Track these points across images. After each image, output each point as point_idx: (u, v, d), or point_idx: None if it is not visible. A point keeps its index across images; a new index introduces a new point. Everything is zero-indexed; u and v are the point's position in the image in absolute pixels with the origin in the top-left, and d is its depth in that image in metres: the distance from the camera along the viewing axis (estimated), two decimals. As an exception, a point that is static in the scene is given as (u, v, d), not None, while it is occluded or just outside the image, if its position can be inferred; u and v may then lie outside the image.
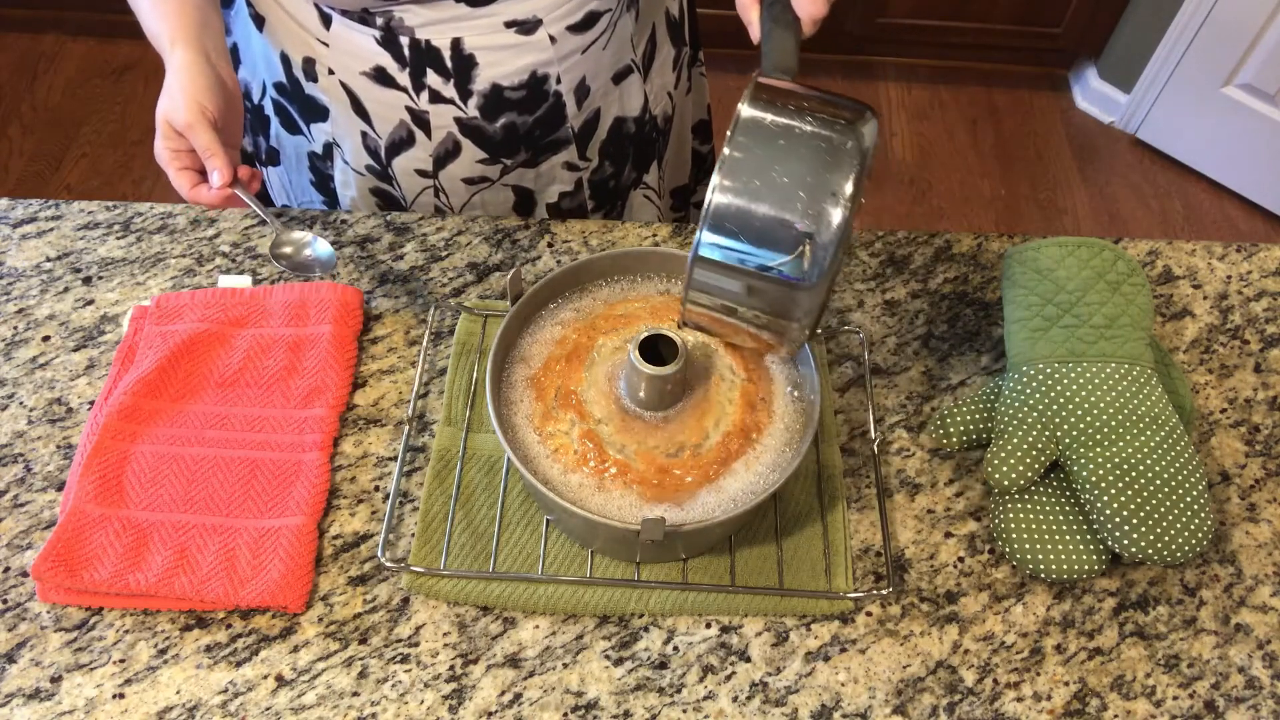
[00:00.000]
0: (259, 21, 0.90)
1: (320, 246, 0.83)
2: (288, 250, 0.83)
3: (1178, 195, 2.36)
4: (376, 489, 0.78)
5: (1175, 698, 0.71)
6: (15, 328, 0.86)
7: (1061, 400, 0.76)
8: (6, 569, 0.73)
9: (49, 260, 0.90)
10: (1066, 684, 0.71)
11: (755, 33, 0.65)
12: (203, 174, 0.78)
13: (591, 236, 0.94)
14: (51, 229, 0.92)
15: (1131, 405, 0.75)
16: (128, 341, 0.83)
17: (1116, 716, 0.70)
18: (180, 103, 0.75)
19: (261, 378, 0.81)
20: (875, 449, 0.80)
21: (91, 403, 0.81)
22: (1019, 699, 0.70)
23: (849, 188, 0.57)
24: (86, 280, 0.89)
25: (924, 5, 2.35)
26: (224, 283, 0.86)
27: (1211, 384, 0.88)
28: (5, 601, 0.72)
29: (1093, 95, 2.49)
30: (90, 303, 0.87)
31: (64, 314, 0.87)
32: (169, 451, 0.77)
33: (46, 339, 0.85)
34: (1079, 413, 0.75)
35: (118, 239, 0.91)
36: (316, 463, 0.77)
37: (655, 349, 0.68)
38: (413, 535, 0.74)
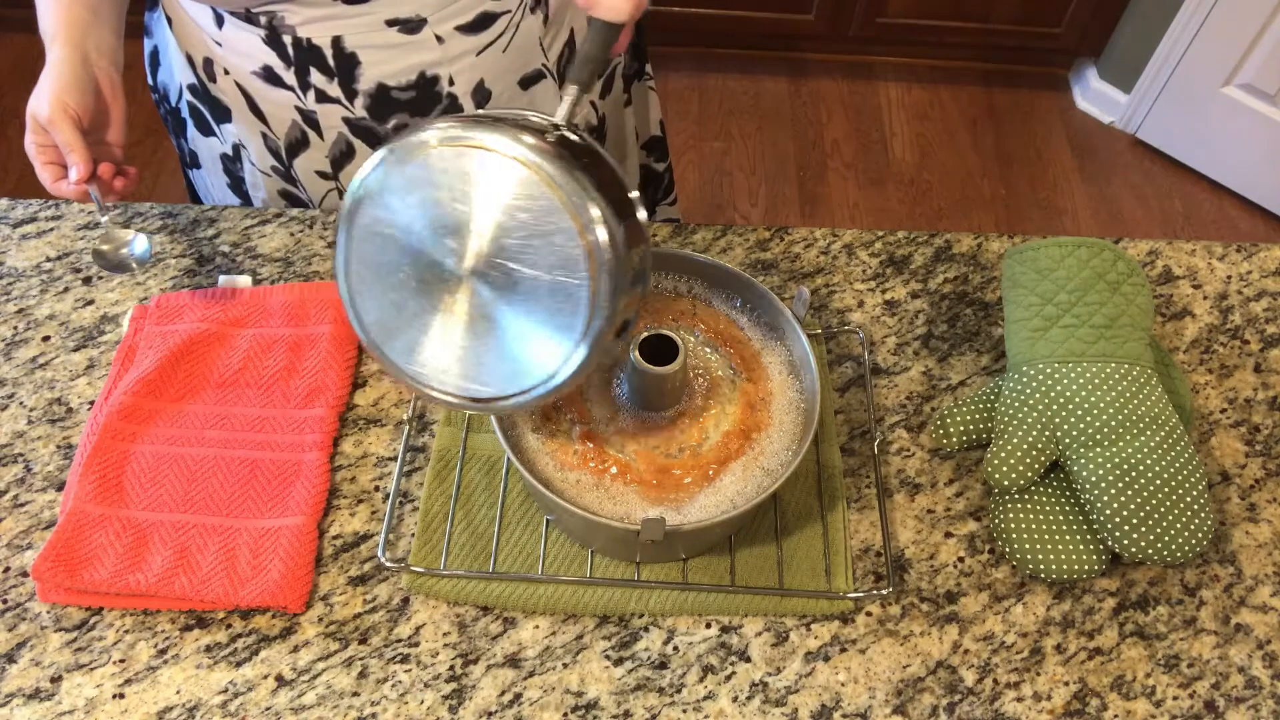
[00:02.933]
0: (170, 22, 0.90)
1: (138, 244, 0.84)
2: (105, 248, 0.84)
3: (1178, 195, 2.35)
4: (376, 489, 0.78)
5: (1175, 698, 0.71)
6: (15, 328, 0.86)
7: (1061, 400, 0.76)
8: (6, 569, 0.73)
9: (49, 260, 0.90)
10: (1066, 684, 0.71)
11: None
12: (67, 169, 0.79)
13: (591, 236, 0.94)
14: (51, 229, 0.92)
15: (1131, 405, 0.75)
16: (128, 341, 0.83)
17: (1116, 716, 0.70)
18: (44, 99, 0.76)
19: (261, 378, 0.81)
20: (875, 449, 0.80)
21: (91, 403, 0.81)
22: (1019, 699, 0.70)
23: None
24: (86, 280, 0.89)
25: (924, 5, 2.35)
26: (224, 283, 0.86)
27: (1211, 384, 0.88)
28: (5, 601, 0.72)
29: (1093, 95, 2.49)
30: (90, 303, 0.87)
31: (64, 314, 0.87)
32: (169, 451, 0.77)
33: (46, 339, 0.85)
34: (1079, 413, 0.75)
35: (118, 239, 0.91)
36: (316, 463, 0.77)
37: (655, 349, 0.68)
38: (413, 535, 0.74)
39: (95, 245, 0.83)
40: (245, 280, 0.87)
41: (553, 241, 0.57)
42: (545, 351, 0.60)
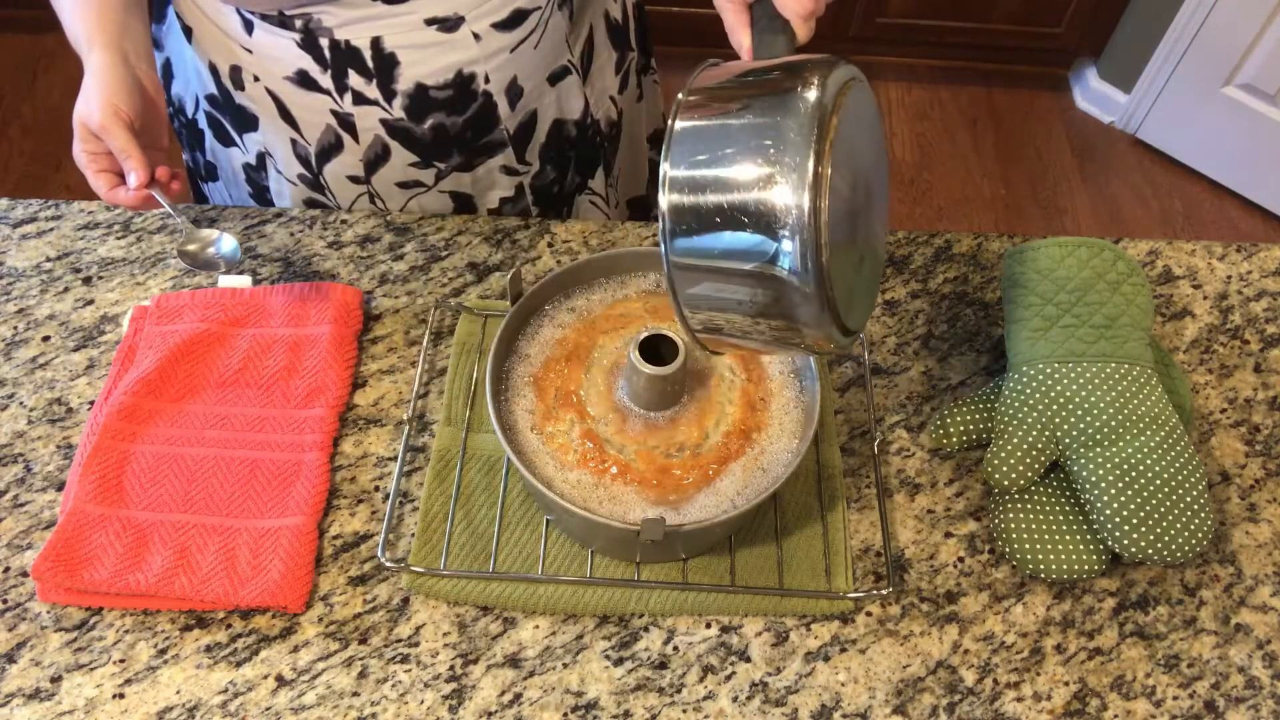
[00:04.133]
0: (188, 33, 0.89)
1: (225, 244, 0.82)
2: (192, 248, 0.82)
3: (1178, 195, 2.36)
4: (376, 489, 0.78)
5: (1175, 698, 0.71)
6: (15, 328, 0.86)
7: (1061, 400, 0.76)
8: (6, 569, 0.73)
9: (49, 260, 0.90)
10: (1066, 684, 0.71)
11: (747, 56, 0.62)
12: (122, 176, 0.77)
13: (591, 236, 0.94)
14: (51, 229, 0.92)
15: (1131, 405, 0.75)
16: (128, 341, 0.83)
17: (1116, 716, 0.70)
18: (95, 105, 0.74)
19: (261, 378, 0.81)
20: (875, 449, 0.80)
21: (91, 403, 0.81)
22: (1019, 699, 0.70)
23: (808, 160, 0.48)
24: (86, 280, 0.89)
25: (924, 5, 2.35)
26: (224, 283, 0.86)
27: (1211, 384, 0.88)
28: (5, 601, 0.72)
29: (1093, 95, 2.49)
30: (90, 303, 0.87)
31: (64, 314, 0.87)
32: (169, 451, 0.77)
33: (46, 339, 0.85)
34: (1079, 413, 0.75)
35: (118, 239, 0.91)
36: (316, 463, 0.77)
37: (655, 349, 0.68)
38: (413, 535, 0.74)
39: (180, 246, 0.81)
40: (245, 280, 0.87)
41: (882, 161, 0.59)
42: (880, 265, 0.62)
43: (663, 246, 0.53)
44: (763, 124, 0.51)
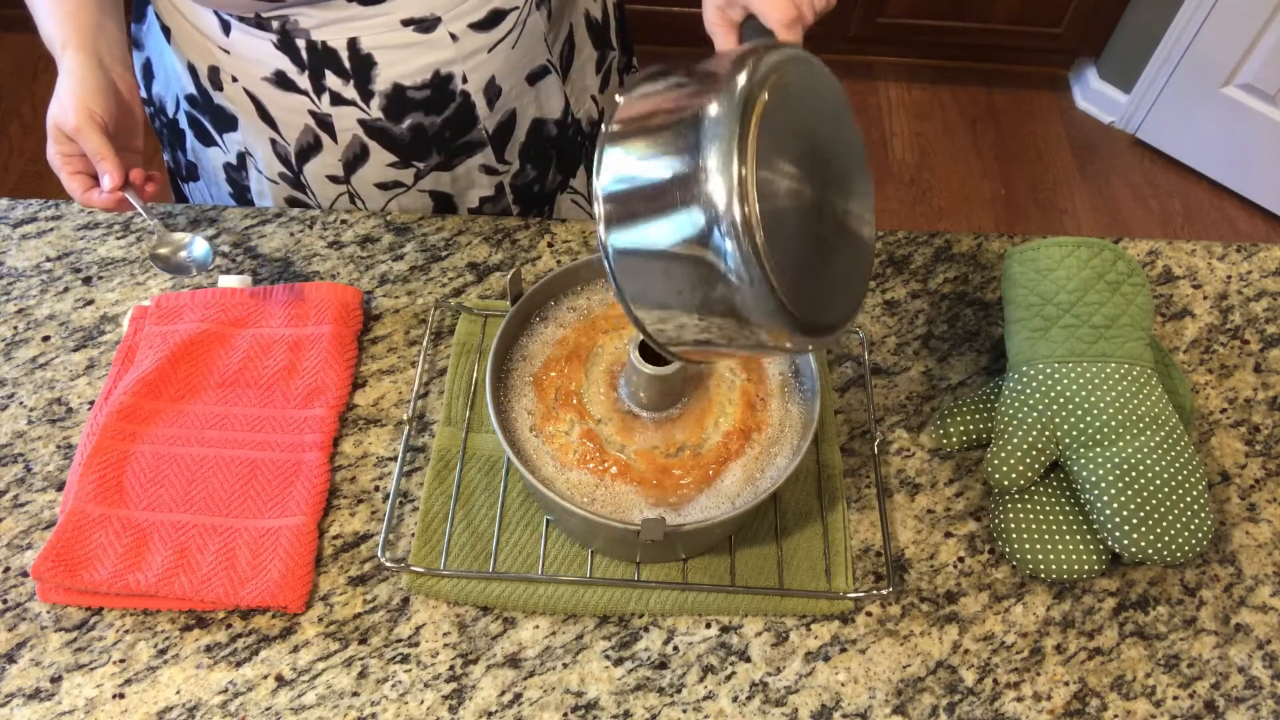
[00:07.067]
0: (167, 33, 0.89)
1: (197, 247, 0.82)
2: (164, 252, 0.82)
3: (1178, 195, 2.36)
4: (376, 489, 0.78)
5: (1175, 698, 0.71)
6: (15, 328, 0.86)
7: (1061, 400, 0.76)
8: (6, 569, 0.73)
9: (49, 260, 0.90)
10: (1066, 684, 0.71)
11: None
12: (96, 178, 0.77)
13: (591, 237, 0.94)
14: (51, 229, 0.92)
15: (1131, 405, 0.75)
16: (128, 341, 0.83)
17: (1116, 716, 0.70)
18: (69, 107, 0.74)
19: (261, 378, 0.81)
20: (875, 449, 0.80)
21: (91, 403, 0.81)
22: (1019, 699, 0.70)
23: (724, 159, 0.46)
24: (86, 280, 0.89)
25: (924, 5, 2.35)
26: (224, 283, 0.86)
27: (1211, 384, 0.88)
28: (5, 601, 0.72)
29: (1093, 95, 2.49)
30: (90, 303, 0.87)
31: (64, 314, 0.87)
32: (169, 451, 0.77)
33: (46, 339, 0.85)
34: (1079, 413, 0.75)
35: (118, 239, 0.91)
36: (316, 463, 0.77)
37: (655, 349, 0.68)
38: (413, 535, 0.74)
39: (152, 249, 0.81)
40: (245, 280, 0.87)
41: (854, 145, 0.57)
42: (867, 252, 0.58)
43: (607, 265, 0.52)
44: (685, 120, 0.49)
